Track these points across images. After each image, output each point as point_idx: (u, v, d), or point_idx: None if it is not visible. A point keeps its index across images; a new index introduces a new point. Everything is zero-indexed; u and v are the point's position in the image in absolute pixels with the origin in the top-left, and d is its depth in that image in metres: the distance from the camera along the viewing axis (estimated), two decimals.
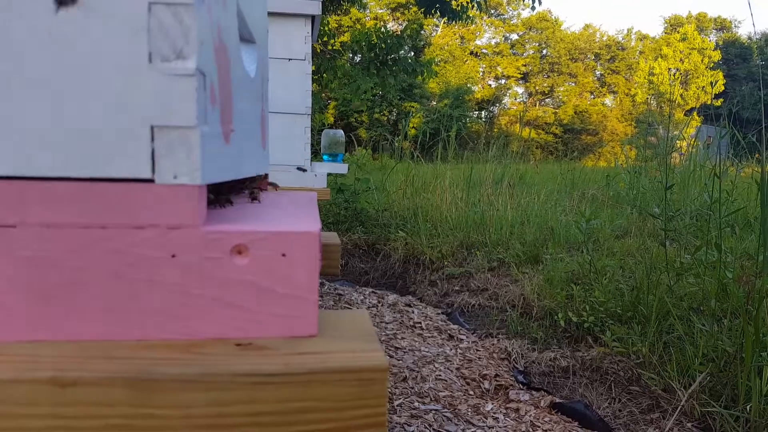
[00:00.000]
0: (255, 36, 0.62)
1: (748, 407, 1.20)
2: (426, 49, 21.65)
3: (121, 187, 0.35)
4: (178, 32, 0.34)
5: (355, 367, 0.34)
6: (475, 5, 7.45)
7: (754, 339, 1.23)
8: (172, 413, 0.31)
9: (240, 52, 0.53)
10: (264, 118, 0.71)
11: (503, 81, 28.33)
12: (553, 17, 28.66)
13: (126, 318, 0.35)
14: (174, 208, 0.35)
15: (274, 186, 0.74)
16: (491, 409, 1.37)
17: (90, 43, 0.33)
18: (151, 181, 0.35)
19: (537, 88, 28.26)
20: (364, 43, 6.36)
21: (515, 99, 28.73)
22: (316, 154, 2.88)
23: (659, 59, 25.50)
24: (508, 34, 29.22)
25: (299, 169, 1.58)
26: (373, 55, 6.38)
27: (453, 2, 7.20)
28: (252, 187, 0.63)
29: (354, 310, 0.45)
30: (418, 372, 1.55)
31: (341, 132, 2.14)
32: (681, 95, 23.49)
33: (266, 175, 0.72)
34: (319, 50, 6.41)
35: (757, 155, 3.26)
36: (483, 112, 26.20)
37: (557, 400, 1.40)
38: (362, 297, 2.31)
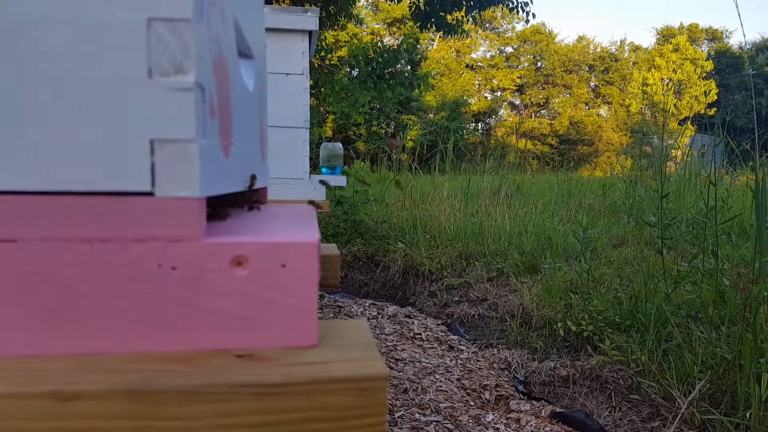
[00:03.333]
0: (253, 51, 0.63)
1: (747, 414, 1.20)
2: (422, 63, 21.79)
3: (120, 201, 0.35)
4: (177, 47, 0.35)
5: (356, 376, 0.34)
6: (470, 19, 7.52)
7: (753, 345, 1.23)
8: (174, 425, 0.31)
9: (239, 66, 0.54)
10: (263, 131, 0.71)
11: (499, 93, 28.52)
12: (547, 30, 28.92)
13: (127, 331, 0.35)
14: (174, 220, 0.35)
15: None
16: (492, 419, 1.36)
17: (89, 57, 0.34)
18: (150, 194, 0.35)
19: (532, 99, 28.43)
20: (361, 58, 6.42)
21: (511, 111, 28.90)
22: (314, 167, 2.89)
23: (652, 70, 25.71)
24: (502, 47, 29.45)
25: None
26: (370, 69, 6.44)
27: (448, 17, 7.27)
28: (252, 199, 0.64)
29: (353, 320, 0.45)
30: (418, 383, 1.55)
31: (340, 145, 2.15)
32: (675, 105, 23.66)
33: (265, 188, 0.73)
34: (316, 65, 6.46)
35: (751, 163, 3.28)
36: (479, 124, 26.33)
37: (558, 410, 1.39)
38: (362, 309, 2.30)
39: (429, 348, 1.85)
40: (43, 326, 0.34)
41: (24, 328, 0.34)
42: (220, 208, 0.49)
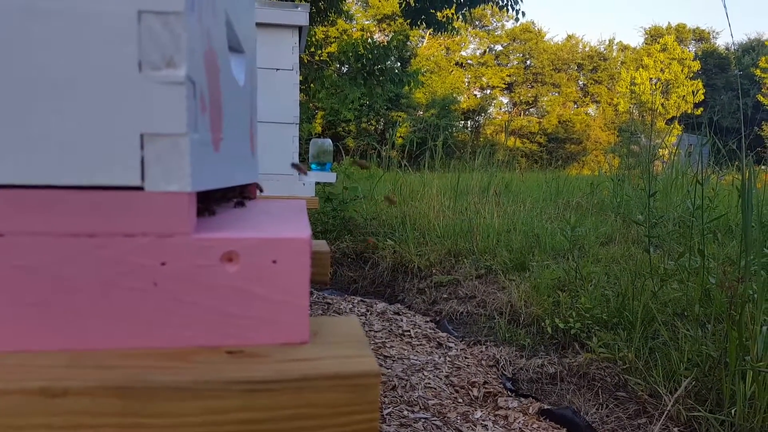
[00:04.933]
0: (244, 45, 0.63)
1: (733, 411, 1.21)
2: (412, 60, 21.78)
3: (110, 195, 0.35)
4: (168, 40, 0.34)
5: (347, 373, 0.34)
6: (460, 17, 7.53)
7: (738, 343, 1.25)
8: (164, 422, 0.31)
9: (229, 61, 0.54)
10: (253, 127, 0.71)
11: (488, 91, 28.58)
12: (536, 29, 29.02)
13: (116, 327, 0.35)
14: (164, 215, 0.35)
15: (259, 188, 0.74)
16: (480, 416, 1.37)
17: (78, 50, 0.33)
18: (140, 188, 0.35)
19: (521, 98, 28.53)
20: (351, 54, 6.40)
21: (500, 109, 28.99)
22: (304, 163, 2.88)
23: (640, 69, 25.91)
24: (492, 45, 29.51)
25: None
26: (360, 65, 6.43)
27: (438, 14, 7.28)
28: (241, 195, 0.63)
29: (344, 316, 0.45)
30: (407, 380, 1.55)
31: (329, 141, 2.14)
32: (662, 104, 23.87)
33: (255, 184, 0.72)
34: (306, 60, 6.43)
35: (737, 162, 3.32)
36: (469, 122, 26.38)
37: (545, 407, 1.40)
38: (351, 306, 2.30)
39: (418, 345, 1.86)
40: (32, 321, 0.34)
41: (11, 323, 0.34)
42: (209, 203, 0.49)
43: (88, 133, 0.34)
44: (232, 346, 0.37)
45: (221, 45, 0.49)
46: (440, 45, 26.96)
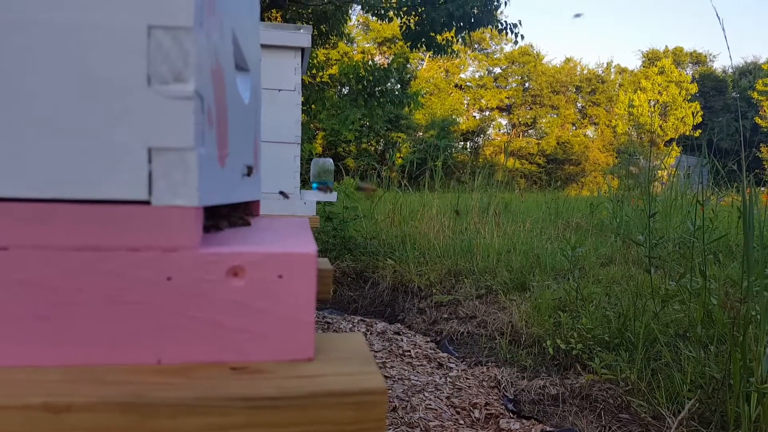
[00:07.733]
0: (249, 64, 0.63)
1: None
2: (412, 82, 21.97)
3: (116, 209, 0.34)
4: (177, 55, 0.34)
5: (353, 390, 0.33)
6: (460, 40, 7.62)
7: (741, 365, 1.24)
8: None
9: (235, 78, 0.54)
10: (257, 145, 0.71)
11: (487, 113, 28.79)
12: (534, 51, 29.35)
13: (119, 341, 0.35)
14: (170, 230, 0.35)
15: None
16: None
17: (88, 63, 0.34)
18: (147, 203, 0.35)
19: (520, 119, 28.72)
20: (352, 76, 6.47)
21: (499, 130, 29.17)
22: (305, 183, 2.89)
23: (638, 92, 26.15)
24: (491, 68, 29.81)
25: (281, 193, 1.57)
26: (360, 87, 6.49)
27: (438, 37, 7.37)
28: (244, 212, 0.63)
29: (349, 333, 0.44)
30: (407, 401, 1.53)
31: (330, 161, 2.15)
32: (660, 126, 24.04)
33: (258, 202, 0.72)
34: (308, 82, 6.49)
35: (736, 184, 3.33)
36: (468, 143, 26.54)
37: (548, 429, 1.38)
38: (351, 325, 2.29)
39: (418, 365, 1.84)
40: (34, 336, 0.34)
41: (14, 337, 0.33)
42: (215, 219, 0.49)
43: (95, 146, 0.34)
44: (236, 363, 0.36)
45: (228, 62, 0.49)
46: (440, 67, 27.23)
